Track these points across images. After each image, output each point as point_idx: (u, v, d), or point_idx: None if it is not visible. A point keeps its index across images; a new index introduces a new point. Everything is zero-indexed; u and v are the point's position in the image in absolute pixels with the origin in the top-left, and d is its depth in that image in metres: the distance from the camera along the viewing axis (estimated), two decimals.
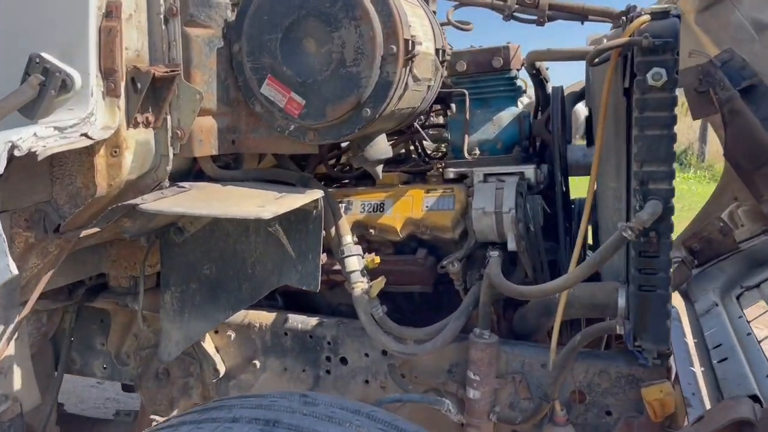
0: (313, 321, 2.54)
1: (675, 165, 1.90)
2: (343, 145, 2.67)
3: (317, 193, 1.93)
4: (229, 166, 2.15)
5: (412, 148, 2.83)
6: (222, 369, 2.63)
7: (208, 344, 2.62)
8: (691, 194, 11.47)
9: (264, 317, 2.60)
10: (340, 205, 2.52)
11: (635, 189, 1.89)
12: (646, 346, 2.00)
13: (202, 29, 1.92)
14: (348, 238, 2.25)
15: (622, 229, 1.83)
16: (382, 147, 2.13)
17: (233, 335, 2.62)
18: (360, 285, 2.20)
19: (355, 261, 2.22)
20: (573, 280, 1.87)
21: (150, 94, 1.76)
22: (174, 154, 1.85)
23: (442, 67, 2.28)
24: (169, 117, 1.83)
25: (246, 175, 2.12)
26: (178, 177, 1.99)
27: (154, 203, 1.67)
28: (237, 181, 2.07)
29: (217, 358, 2.63)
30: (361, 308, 2.19)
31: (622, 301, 2.07)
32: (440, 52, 2.23)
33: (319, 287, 2.05)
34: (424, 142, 2.90)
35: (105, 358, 2.83)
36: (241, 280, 2.17)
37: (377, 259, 2.26)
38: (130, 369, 2.77)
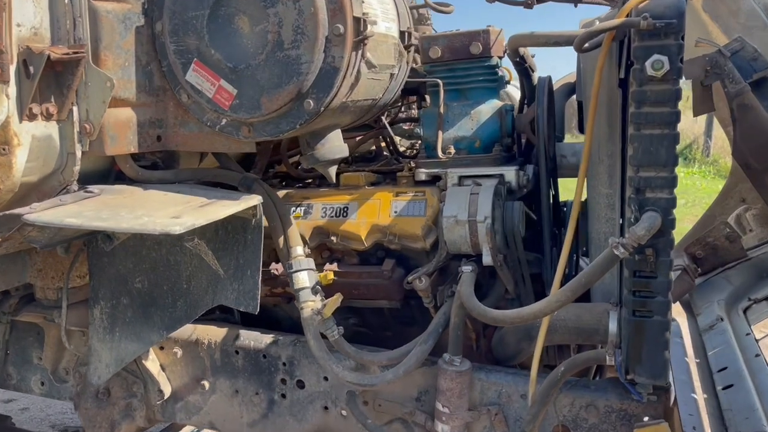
0: (267, 339, 2.26)
1: (679, 160, 1.62)
2: None
3: (254, 199, 1.64)
4: (157, 166, 1.86)
5: (384, 144, 2.53)
6: (168, 389, 2.36)
7: (153, 362, 2.35)
8: (695, 189, 11.20)
9: (213, 333, 2.32)
10: (298, 208, 2.24)
11: (630, 198, 1.61)
12: (641, 380, 1.73)
13: (114, 3, 1.62)
14: (298, 250, 1.96)
15: (613, 245, 1.54)
16: (335, 145, 1.84)
17: (180, 352, 2.34)
18: (310, 304, 1.92)
19: (305, 276, 1.93)
20: (553, 305, 1.58)
21: (51, 80, 1.48)
22: (83, 152, 1.56)
23: (409, 52, 1.98)
24: (75, 108, 1.54)
25: (177, 176, 1.83)
26: (96, 179, 1.71)
27: (41, 213, 1.39)
28: (167, 183, 1.78)
29: (162, 377, 2.35)
30: (310, 332, 1.91)
31: (613, 327, 1.79)
32: (405, 35, 1.93)
33: (257, 308, 1.76)
34: (399, 138, 2.60)
35: (43, 373, 2.56)
36: (175, 296, 1.89)
37: (331, 275, 1.97)
38: (69, 386, 2.50)
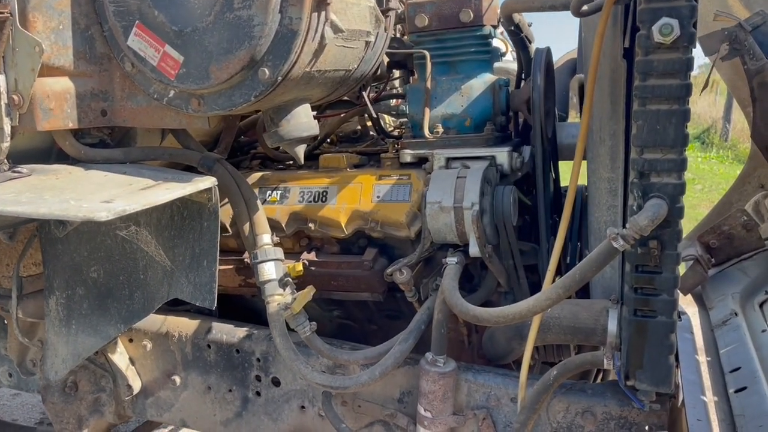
0: (240, 332, 2.10)
1: (696, 144, 1.42)
2: None
3: (206, 182, 1.46)
4: (105, 144, 1.69)
5: (369, 123, 2.34)
6: (137, 384, 2.22)
7: (121, 355, 2.21)
8: (713, 174, 10.90)
9: (184, 325, 2.17)
10: (274, 192, 2.07)
11: (633, 182, 1.42)
12: (642, 387, 1.55)
13: None
14: (265, 238, 1.79)
15: (611, 236, 1.35)
16: (302, 122, 1.65)
17: (149, 345, 2.20)
18: (277, 298, 1.75)
19: (272, 268, 1.76)
20: (542, 303, 1.40)
21: None
22: (12, 128, 1.39)
23: (388, 17, 1.78)
24: (2, 77, 1.36)
25: (127, 155, 1.65)
26: (34, 158, 1.54)
27: None
28: (115, 163, 1.61)
29: (131, 371, 2.21)
30: (276, 328, 1.74)
31: (612, 327, 1.61)
32: None
33: (215, 303, 1.60)
34: (388, 117, 2.41)
35: (10, 365, 2.43)
36: (132, 287, 1.73)
37: (300, 266, 1.80)
38: (36, 379, 2.36)
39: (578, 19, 1.86)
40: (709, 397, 1.88)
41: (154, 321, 2.18)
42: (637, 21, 1.36)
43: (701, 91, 2.61)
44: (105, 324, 1.78)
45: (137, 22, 1.47)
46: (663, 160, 1.38)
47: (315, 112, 2.30)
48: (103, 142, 1.69)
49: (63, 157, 1.63)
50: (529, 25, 2.03)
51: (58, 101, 1.47)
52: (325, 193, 2.01)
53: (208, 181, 1.47)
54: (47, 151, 1.62)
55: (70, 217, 1.19)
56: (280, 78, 1.43)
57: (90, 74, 1.55)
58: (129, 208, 1.22)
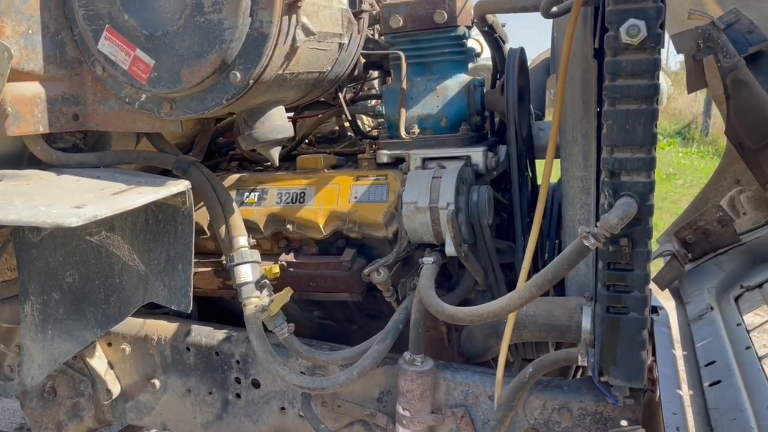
0: (219, 335, 2.10)
1: (677, 140, 1.44)
2: None
3: (179, 185, 1.46)
4: (78, 148, 1.68)
5: (347, 124, 2.34)
6: (116, 388, 2.21)
7: (99, 359, 2.19)
8: (694, 169, 11.02)
9: (163, 328, 2.17)
10: (252, 194, 2.06)
11: (604, 181, 1.44)
12: (615, 383, 1.57)
13: None
14: (241, 241, 1.79)
15: (582, 235, 1.37)
16: (276, 124, 1.65)
17: (128, 349, 2.19)
18: (254, 301, 1.75)
19: (248, 270, 1.76)
20: (515, 302, 1.41)
21: None
22: None
23: (360, 20, 1.78)
24: None
25: (101, 160, 1.65)
26: (6, 163, 1.53)
27: None
28: (89, 168, 1.60)
29: (110, 375, 2.20)
30: (253, 331, 1.74)
31: (586, 323, 1.63)
32: (356, 0, 1.74)
33: (190, 306, 1.59)
34: (365, 117, 2.42)
35: None
36: (108, 291, 1.72)
37: (276, 268, 1.80)
38: (15, 384, 2.34)
39: (552, 20, 1.88)
40: (685, 391, 1.90)
41: (132, 324, 2.17)
42: (605, 21, 1.38)
43: (690, 91, 2.64)
44: (81, 329, 1.77)
45: (107, 26, 1.46)
46: (632, 159, 1.40)
47: (292, 114, 2.31)
48: (76, 147, 1.68)
49: (35, 162, 1.61)
50: (503, 26, 2.04)
51: (28, 106, 1.46)
52: (302, 194, 2.01)
53: (181, 185, 1.46)
54: (18, 157, 1.61)
55: (39, 224, 1.19)
56: (252, 81, 1.43)
57: (61, 78, 1.55)
58: (100, 213, 1.22)
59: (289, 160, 2.21)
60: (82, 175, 1.52)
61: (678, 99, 14.24)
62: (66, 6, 1.53)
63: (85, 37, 1.50)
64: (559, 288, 2.00)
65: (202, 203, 1.88)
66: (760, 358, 1.95)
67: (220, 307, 2.40)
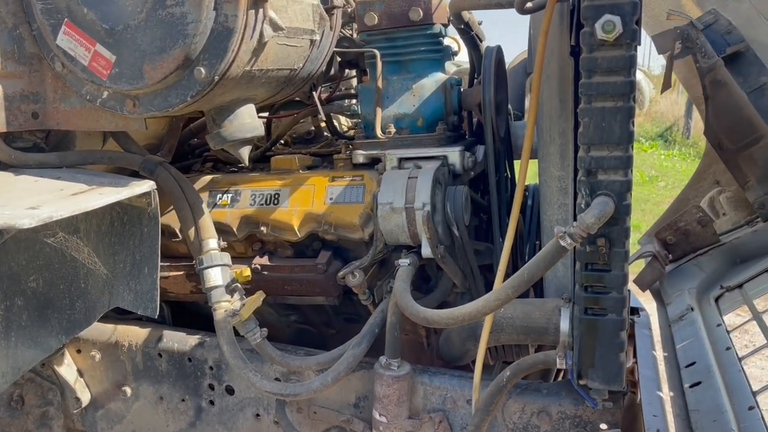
0: (192, 340, 2.05)
1: (659, 142, 1.41)
2: None
3: (143, 186, 1.41)
4: (40, 148, 1.62)
5: (323, 124, 2.30)
6: (86, 397, 2.15)
7: (68, 367, 2.13)
8: (676, 171, 11.10)
9: (134, 334, 2.11)
10: (225, 195, 2.01)
11: (581, 180, 1.41)
12: (594, 386, 1.54)
13: None
14: (211, 243, 1.74)
15: (559, 235, 1.34)
16: (246, 122, 1.61)
17: (98, 356, 2.13)
18: (223, 305, 1.70)
19: (218, 274, 1.71)
20: (491, 304, 1.38)
21: None
22: None
23: (332, 15, 1.74)
24: None
25: (63, 160, 1.59)
26: None
27: None
28: (50, 168, 1.54)
29: (79, 383, 2.14)
30: (223, 336, 1.69)
31: (564, 325, 1.60)
32: None
33: (156, 312, 1.54)
34: (342, 116, 2.38)
35: None
36: (73, 296, 1.67)
37: (247, 271, 1.75)
38: None
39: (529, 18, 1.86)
40: (666, 393, 1.89)
41: (102, 330, 2.11)
42: (581, 18, 1.35)
43: (662, 91, 2.64)
44: (45, 335, 1.71)
45: (66, 20, 1.41)
46: (609, 158, 1.38)
47: (267, 113, 2.27)
48: (36, 146, 1.62)
49: None
50: (480, 24, 2.02)
51: None
52: (277, 196, 1.97)
53: (145, 185, 1.41)
54: None
55: None
56: (217, 77, 1.39)
57: (19, 75, 1.49)
58: (56, 214, 1.17)
59: (263, 160, 2.17)
60: (41, 176, 1.47)
61: (660, 102, 14.36)
62: (24, 0, 1.48)
63: (43, 31, 1.45)
64: (539, 289, 1.97)
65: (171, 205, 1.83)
66: (740, 359, 1.94)
67: (194, 312, 2.35)
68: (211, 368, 2.01)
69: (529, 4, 1.40)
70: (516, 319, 1.67)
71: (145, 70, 1.38)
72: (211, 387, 2.03)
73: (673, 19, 2.50)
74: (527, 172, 1.64)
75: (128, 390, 2.11)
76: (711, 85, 2.39)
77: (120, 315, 2.12)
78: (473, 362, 2.03)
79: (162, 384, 2.08)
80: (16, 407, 2.19)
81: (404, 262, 1.72)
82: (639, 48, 1.39)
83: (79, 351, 2.14)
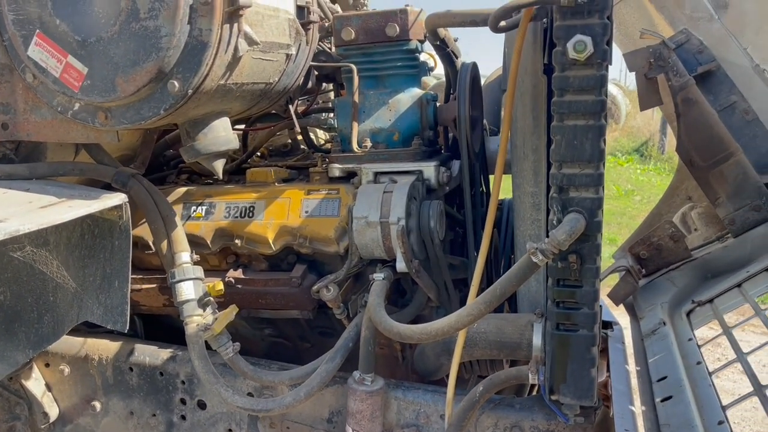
0: (164, 354, 2.02)
1: (635, 157, 1.43)
2: None
3: (114, 198, 1.39)
4: (9, 159, 1.60)
5: (300, 137, 2.30)
6: (54, 412, 2.11)
7: (36, 380, 2.09)
8: (651, 186, 11.27)
9: (105, 347, 2.08)
10: (199, 208, 2.00)
11: (552, 197, 1.43)
12: (566, 401, 1.55)
13: None
14: (183, 257, 1.72)
15: (530, 251, 1.35)
16: (220, 136, 1.60)
17: (67, 370, 2.09)
18: (195, 319, 1.68)
19: (190, 287, 1.70)
20: (464, 320, 1.38)
21: None
22: None
23: (309, 30, 1.75)
24: None
25: (33, 171, 1.57)
26: None
27: None
28: (19, 180, 1.52)
29: (47, 398, 2.10)
30: (194, 351, 1.68)
31: (537, 341, 1.60)
32: (304, 10, 1.70)
33: (126, 326, 1.52)
34: (319, 130, 2.38)
35: None
36: (41, 309, 1.64)
37: (219, 285, 1.74)
38: None
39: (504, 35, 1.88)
40: (638, 407, 1.90)
41: (72, 344, 2.08)
42: (553, 37, 1.38)
43: (642, 108, 2.68)
44: (12, 350, 1.67)
45: (38, 31, 1.39)
46: (580, 175, 1.39)
47: (243, 126, 2.26)
48: (6, 157, 1.60)
49: None
50: (456, 40, 2.04)
51: None
52: (252, 209, 1.96)
53: (117, 198, 1.40)
54: None
55: None
56: (190, 91, 1.38)
57: None
58: (23, 228, 1.15)
59: (239, 173, 2.16)
60: (9, 188, 1.44)
61: (636, 117, 14.59)
62: None
63: (14, 42, 1.43)
64: (513, 304, 1.98)
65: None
66: (710, 374, 1.97)
67: (168, 325, 2.32)
68: (183, 382, 1.99)
69: (502, 23, 1.42)
70: (489, 333, 1.68)
71: (118, 82, 1.37)
72: (183, 402, 2.01)
73: (646, 38, 2.55)
74: (501, 187, 1.66)
75: (98, 405, 2.08)
76: (683, 103, 2.43)
77: (90, 328, 2.09)
78: (448, 377, 2.04)
79: (133, 399, 2.05)
80: None
81: (379, 276, 1.72)
82: (615, 64, 1.41)
83: (47, 364, 2.10)
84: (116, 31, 1.35)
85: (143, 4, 1.32)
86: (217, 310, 1.72)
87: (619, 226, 8.49)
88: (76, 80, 1.39)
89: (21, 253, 1.43)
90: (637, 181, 11.63)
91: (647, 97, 2.63)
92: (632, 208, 9.74)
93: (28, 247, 1.44)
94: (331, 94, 2.67)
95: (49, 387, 2.11)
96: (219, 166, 1.65)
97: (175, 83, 1.36)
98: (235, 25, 1.37)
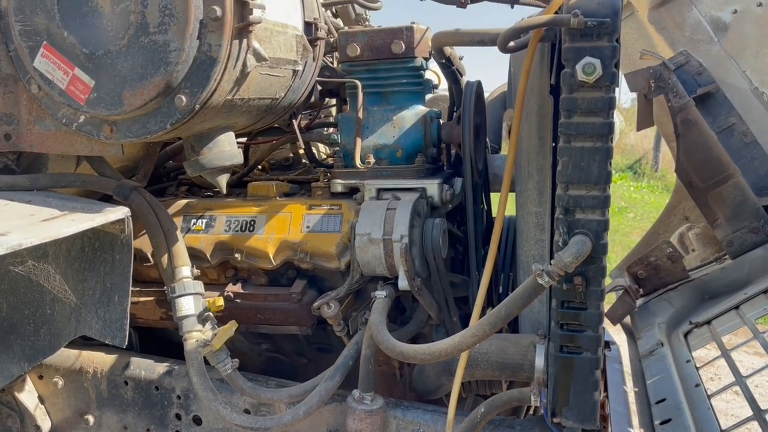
0: (160, 368, 2.00)
1: (629, 174, 1.43)
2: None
3: (117, 212, 1.38)
4: (10, 170, 1.58)
5: (302, 151, 2.29)
6: (46, 425, 2.08)
7: (29, 393, 2.06)
8: (644, 203, 11.32)
9: (100, 360, 2.05)
10: (199, 221, 1.98)
11: (558, 218, 1.42)
12: (568, 424, 1.53)
13: None
14: (184, 271, 1.70)
15: (537, 273, 1.34)
16: (225, 150, 1.59)
17: (61, 382, 2.06)
18: (194, 335, 1.66)
19: (190, 302, 1.67)
20: (468, 341, 1.37)
21: None
22: None
23: (316, 47, 1.75)
24: None
25: (35, 183, 1.55)
26: None
27: None
28: (20, 191, 1.50)
29: (40, 410, 2.07)
30: (193, 367, 1.65)
31: (539, 362, 1.59)
32: (312, 27, 1.70)
33: (125, 341, 1.50)
34: (321, 144, 2.37)
35: None
36: (38, 322, 1.61)
37: (220, 301, 1.72)
38: None
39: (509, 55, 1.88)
40: (636, 429, 1.89)
41: (67, 356, 2.05)
42: (561, 59, 1.38)
43: (639, 129, 2.69)
44: (7, 362, 1.64)
45: (45, 42, 1.38)
46: (587, 197, 1.39)
47: (245, 139, 2.25)
48: (7, 168, 1.58)
49: None
50: (461, 59, 2.04)
51: None
52: (252, 223, 1.94)
53: (119, 212, 1.38)
54: None
55: None
56: (198, 106, 1.37)
57: None
58: (26, 242, 1.13)
59: (240, 186, 2.14)
60: (10, 199, 1.42)
61: (630, 135, 14.67)
62: (2, 20, 1.44)
63: (20, 53, 1.42)
64: (513, 324, 1.97)
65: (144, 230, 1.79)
66: (709, 396, 1.96)
67: (163, 338, 2.29)
68: (178, 397, 1.96)
69: (511, 44, 1.42)
70: (491, 354, 1.66)
71: (125, 96, 1.36)
72: (178, 417, 1.98)
73: (646, 58, 2.56)
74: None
75: (91, 418, 2.05)
76: (682, 124, 2.44)
77: (86, 341, 2.06)
78: (446, 396, 2.02)
79: (127, 413, 2.02)
80: None
81: (381, 294, 1.71)
82: None
83: (41, 377, 2.07)
84: (125, 44, 1.34)
85: (153, 19, 1.32)
86: (216, 326, 1.70)
87: (612, 243, 8.51)
88: (83, 93, 1.38)
89: (23, 268, 1.41)
90: (630, 198, 11.68)
91: (643, 119, 2.64)
92: (625, 225, 9.77)
93: (30, 262, 1.42)
94: (333, 109, 2.67)
95: (42, 399, 2.07)
96: (223, 180, 1.64)
97: (183, 98, 1.35)
98: (245, 40, 1.37)
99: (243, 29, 1.34)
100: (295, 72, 1.66)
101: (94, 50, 1.36)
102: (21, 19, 1.39)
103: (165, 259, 1.71)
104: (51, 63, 1.39)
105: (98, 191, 1.70)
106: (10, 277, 1.62)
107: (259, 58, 1.41)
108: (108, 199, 1.73)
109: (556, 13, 1.37)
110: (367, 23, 3.02)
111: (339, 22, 2.56)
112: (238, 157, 1.62)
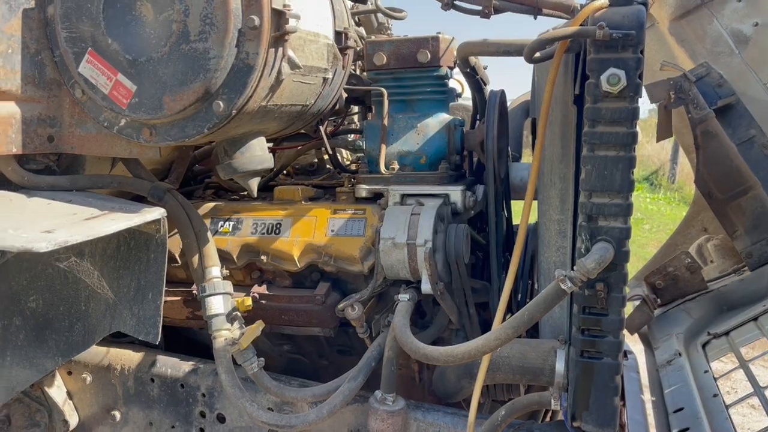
0: (185, 366, 2.04)
1: (645, 185, 1.46)
2: None
3: (154, 213, 1.43)
4: (51, 171, 1.64)
5: (326, 157, 2.34)
6: (74, 420, 2.13)
7: (58, 388, 2.11)
8: (660, 215, 11.25)
9: (127, 358, 2.10)
10: (226, 223, 2.03)
11: (581, 225, 1.44)
12: (588, 429, 1.56)
13: None
14: (214, 271, 1.75)
15: (559, 279, 1.37)
16: (257, 155, 1.64)
17: (89, 378, 2.11)
18: (224, 333, 1.71)
19: (220, 302, 1.72)
20: (491, 344, 1.40)
21: None
22: None
23: (346, 55, 1.79)
24: None
25: (74, 183, 1.61)
26: None
27: None
28: (61, 191, 1.56)
29: (68, 406, 2.12)
30: (222, 364, 1.70)
31: (560, 367, 1.62)
32: (342, 36, 1.75)
33: (158, 338, 1.55)
34: (344, 150, 2.42)
35: None
36: (73, 318, 1.66)
37: (249, 301, 1.77)
38: None
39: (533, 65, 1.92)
40: None
41: (95, 353, 2.10)
42: (586, 69, 1.41)
43: (658, 139, 2.70)
44: (42, 356, 1.70)
45: (90, 49, 1.44)
46: (610, 205, 1.42)
47: (271, 144, 2.30)
48: (48, 169, 1.64)
49: (4, 183, 1.57)
50: (485, 68, 2.08)
51: (2, 126, 1.42)
52: (278, 226, 1.99)
53: (156, 213, 1.43)
54: None
55: (7, 248, 1.14)
56: (235, 111, 1.42)
57: (38, 99, 1.51)
58: (71, 239, 1.18)
59: (266, 190, 2.19)
60: (53, 199, 1.48)
61: (646, 146, 14.61)
62: (48, 27, 1.51)
63: (65, 59, 1.48)
64: (533, 330, 1.99)
65: (174, 230, 1.84)
66: (727, 407, 1.97)
67: (186, 337, 2.34)
68: (203, 395, 2.01)
69: (537, 54, 1.46)
70: (512, 358, 1.69)
71: (165, 101, 1.41)
72: (203, 414, 2.02)
73: (667, 70, 2.58)
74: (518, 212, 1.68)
75: (117, 414, 2.09)
76: (702, 135, 2.45)
77: (114, 338, 2.12)
78: (465, 400, 2.05)
79: (152, 409, 2.07)
80: (2, 427, 2.15)
81: (404, 297, 1.74)
82: None
83: (70, 372, 2.13)
84: (166, 51, 1.40)
85: (194, 27, 1.37)
86: (243, 326, 1.74)
87: None
88: (125, 97, 1.43)
89: (66, 264, 1.46)
90: (646, 209, 11.62)
91: (663, 129, 2.66)
92: (641, 237, 9.72)
93: (73, 258, 1.47)
94: (355, 116, 2.72)
95: (70, 395, 2.13)
96: (254, 184, 1.69)
97: (220, 103, 1.41)
98: (280, 49, 1.42)
99: (279, 38, 1.40)
100: (325, 80, 1.71)
101: (137, 57, 1.42)
102: (67, 26, 1.45)
103: (195, 259, 1.76)
104: (95, 68, 1.44)
105: (131, 192, 1.76)
106: (47, 274, 1.67)
107: (293, 66, 1.46)
108: (137, 199, 1.79)
109: (581, 25, 1.40)
110: (389, 32, 3.08)
111: (362, 30, 2.62)
112: (269, 162, 1.67)
